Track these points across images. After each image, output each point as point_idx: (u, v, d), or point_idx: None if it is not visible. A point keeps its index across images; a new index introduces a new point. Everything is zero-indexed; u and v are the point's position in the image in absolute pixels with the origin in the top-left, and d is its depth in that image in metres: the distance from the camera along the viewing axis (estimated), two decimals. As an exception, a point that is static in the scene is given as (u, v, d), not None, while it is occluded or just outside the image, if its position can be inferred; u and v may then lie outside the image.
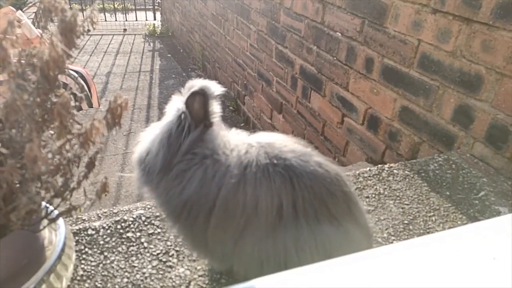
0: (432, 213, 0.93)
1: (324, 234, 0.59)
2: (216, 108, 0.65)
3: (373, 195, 0.98)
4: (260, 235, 0.59)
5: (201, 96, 0.61)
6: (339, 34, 1.71)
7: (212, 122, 0.64)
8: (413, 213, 0.93)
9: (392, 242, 0.84)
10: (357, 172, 1.07)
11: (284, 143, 0.65)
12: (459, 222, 0.91)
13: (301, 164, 0.61)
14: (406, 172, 1.08)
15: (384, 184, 1.03)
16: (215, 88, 0.62)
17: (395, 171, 1.08)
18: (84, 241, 0.79)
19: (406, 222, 0.90)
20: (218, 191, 0.59)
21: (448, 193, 0.99)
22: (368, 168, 1.09)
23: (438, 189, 1.01)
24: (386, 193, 0.99)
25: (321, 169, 0.62)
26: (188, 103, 0.61)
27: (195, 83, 0.62)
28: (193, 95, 0.60)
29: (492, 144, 1.09)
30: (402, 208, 0.94)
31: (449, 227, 0.89)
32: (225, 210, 0.59)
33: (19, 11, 2.35)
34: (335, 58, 1.77)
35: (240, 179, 0.59)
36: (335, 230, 0.60)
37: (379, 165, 1.11)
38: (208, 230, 0.60)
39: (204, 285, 0.72)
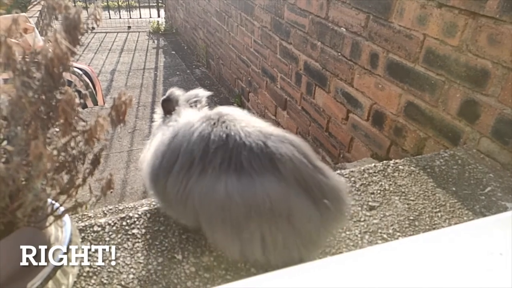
0: (438, 209, 0.92)
1: (223, 182, 0.65)
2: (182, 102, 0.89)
3: (379, 191, 0.98)
4: (176, 180, 0.70)
5: (168, 100, 0.88)
6: (344, 30, 1.70)
7: (176, 109, 0.86)
8: (419, 209, 0.92)
9: (397, 238, 0.84)
10: (362, 168, 1.07)
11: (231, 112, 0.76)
12: (465, 218, 0.90)
13: (235, 128, 0.70)
14: (412, 168, 1.07)
15: (390, 180, 1.02)
16: (179, 93, 0.90)
17: (400, 167, 1.08)
18: (90, 238, 0.79)
19: (411, 218, 0.90)
20: (169, 143, 0.73)
21: (454, 188, 0.99)
22: (373, 164, 1.09)
23: (444, 185, 1.00)
24: (391, 189, 0.99)
25: (251, 128, 0.70)
26: (162, 106, 0.89)
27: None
28: (163, 101, 0.89)
29: (498, 139, 1.08)
30: (408, 204, 0.94)
31: (455, 223, 0.88)
32: (170, 157, 0.72)
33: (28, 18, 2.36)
34: (339, 54, 1.76)
35: (175, 134, 0.74)
36: (236, 180, 0.65)
37: (384, 161, 1.10)
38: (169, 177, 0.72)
39: (209, 281, 0.72)
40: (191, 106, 0.90)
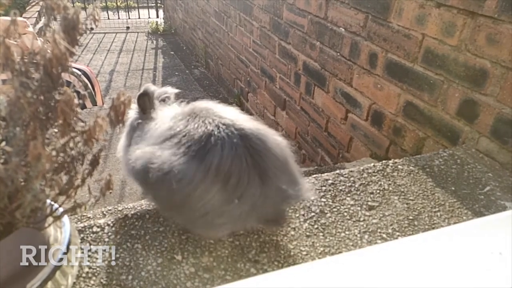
0: (437, 209, 0.92)
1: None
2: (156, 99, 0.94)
3: (378, 191, 0.98)
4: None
5: (144, 95, 0.90)
6: (343, 30, 1.70)
7: (153, 108, 0.91)
8: (418, 208, 0.92)
9: (397, 238, 0.84)
10: (361, 168, 1.07)
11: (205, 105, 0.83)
12: (464, 217, 0.90)
13: (203, 117, 0.77)
14: (411, 167, 1.07)
15: (389, 180, 1.02)
16: (155, 88, 0.94)
17: (399, 166, 1.08)
18: (89, 239, 0.79)
19: (411, 217, 0.90)
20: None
21: (453, 188, 0.99)
22: (372, 164, 1.09)
23: (443, 185, 1.00)
24: (390, 188, 0.99)
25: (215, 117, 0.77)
26: (138, 101, 0.91)
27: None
28: (140, 96, 0.90)
29: (497, 139, 1.08)
30: (407, 203, 0.94)
31: (455, 223, 0.89)
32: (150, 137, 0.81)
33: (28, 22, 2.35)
34: (338, 54, 1.76)
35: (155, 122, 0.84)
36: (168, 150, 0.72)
37: (384, 161, 1.10)
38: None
39: (208, 282, 0.72)
40: (161, 102, 0.95)
